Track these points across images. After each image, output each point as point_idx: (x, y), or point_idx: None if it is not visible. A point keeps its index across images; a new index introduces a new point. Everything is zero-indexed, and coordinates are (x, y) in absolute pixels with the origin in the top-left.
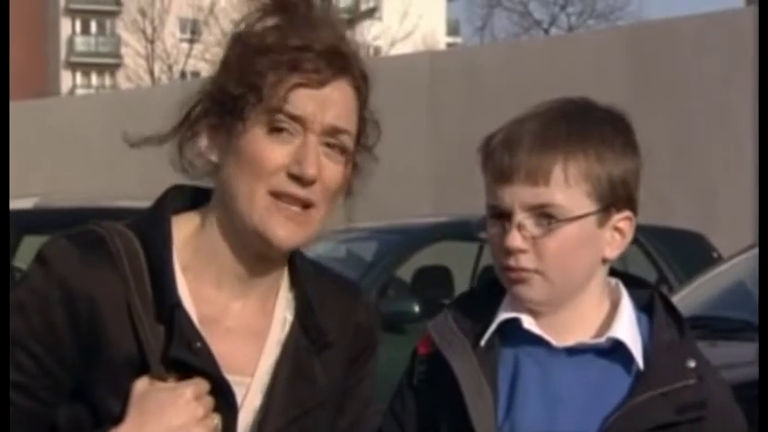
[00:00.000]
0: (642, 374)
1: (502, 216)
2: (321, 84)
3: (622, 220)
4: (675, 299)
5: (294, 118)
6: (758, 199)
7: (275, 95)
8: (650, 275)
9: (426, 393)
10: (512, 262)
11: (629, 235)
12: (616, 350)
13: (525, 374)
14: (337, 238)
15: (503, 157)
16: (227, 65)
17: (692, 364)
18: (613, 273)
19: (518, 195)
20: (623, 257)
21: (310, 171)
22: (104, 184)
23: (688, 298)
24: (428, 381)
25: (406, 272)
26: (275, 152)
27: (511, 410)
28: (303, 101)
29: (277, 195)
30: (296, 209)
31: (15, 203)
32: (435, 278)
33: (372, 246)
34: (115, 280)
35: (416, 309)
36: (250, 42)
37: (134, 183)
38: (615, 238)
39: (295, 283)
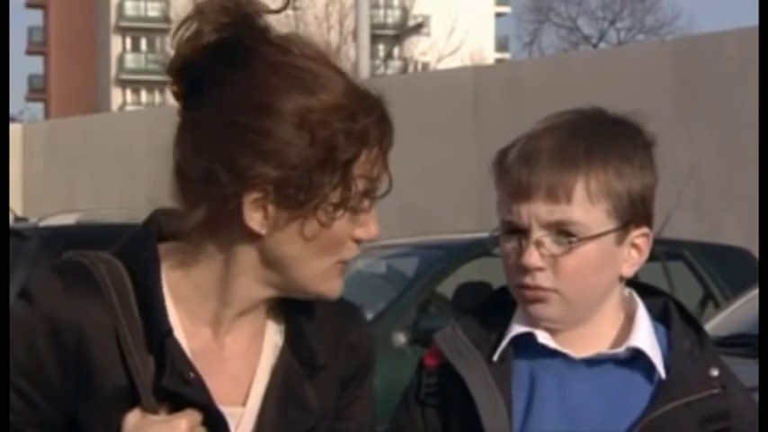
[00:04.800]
0: (664, 383)
1: (517, 232)
2: (387, 151)
3: (639, 237)
4: (721, 316)
5: (370, 193)
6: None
7: (361, 182)
8: (696, 292)
9: (435, 407)
10: (528, 280)
11: (646, 251)
12: (636, 360)
13: (542, 387)
14: (378, 253)
15: (520, 173)
16: (320, 154)
17: (715, 372)
18: (626, 282)
19: (536, 212)
20: (668, 273)
21: (377, 234)
22: (148, 200)
23: (734, 315)
24: (437, 394)
25: (447, 288)
26: (351, 228)
27: (527, 424)
28: (377, 174)
29: (344, 262)
30: None
31: (58, 219)
32: (477, 294)
33: (413, 261)
34: (102, 309)
35: None
36: (339, 142)
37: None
38: (632, 255)
39: (285, 306)
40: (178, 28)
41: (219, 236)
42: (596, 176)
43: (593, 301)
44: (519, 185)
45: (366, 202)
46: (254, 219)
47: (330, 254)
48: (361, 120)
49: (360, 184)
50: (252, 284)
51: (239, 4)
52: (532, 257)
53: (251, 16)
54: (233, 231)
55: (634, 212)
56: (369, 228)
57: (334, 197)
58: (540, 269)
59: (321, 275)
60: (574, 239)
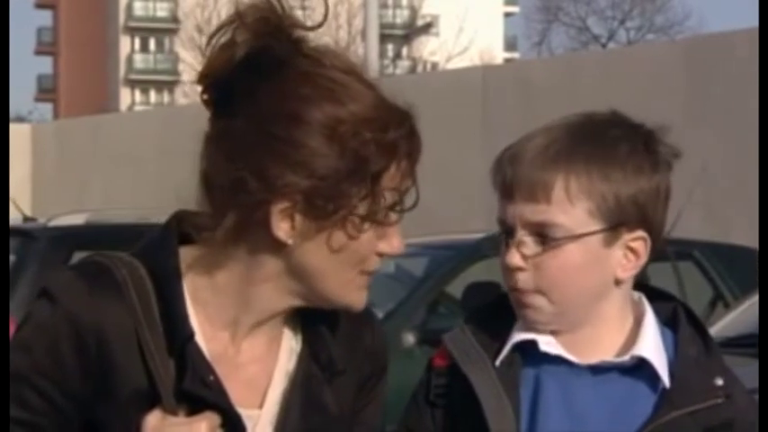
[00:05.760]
0: (668, 392)
1: (507, 232)
2: (415, 165)
3: (636, 240)
4: (731, 316)
5: (397, 206)
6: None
7: (389, 195)
8: (706, 292)
9: (444, 408)
10: (512, 281)
11: (644, 255)
12: (641, 367)
13: (547, 393)
14: None
15: (506, 171)
16: (350, 165)
17: (719, 381)
18: (636, 286)
19: (520, 212)
20: (677, 273)
21: (400, 248)
22: (157, 200)
23: (743, 315)
24: (446, 395)
25: (456, 288)
26: (375, 241)
27: (532, 429)
28: (405, 187)
29: (367, 273)
30: None
31: (67, 219)
32: (486, 294)
33: (422, 261)
34: (123, 311)
35: None
36: (373, 156)
37: (186, 199)
38: (629, 257)
39: (301, 311)
40: (216, 31)
41: (245, 243)
42: (577, 178)
43: (583, 303)
44: (504, 184)
45: (392, 216)
46: (282, 228)
47: (354, 265)
48: (391, 132)
49: (388, 197)
50: (274, 293)
51: (279, 17)
52: (514, 258)
53: (287, 28)
54: (259, 240)
55: (623, 215)
56: (392, 241)
57: (362, 209)
58: (521, 269)
59: (346, 287)
60: (554, 240)
